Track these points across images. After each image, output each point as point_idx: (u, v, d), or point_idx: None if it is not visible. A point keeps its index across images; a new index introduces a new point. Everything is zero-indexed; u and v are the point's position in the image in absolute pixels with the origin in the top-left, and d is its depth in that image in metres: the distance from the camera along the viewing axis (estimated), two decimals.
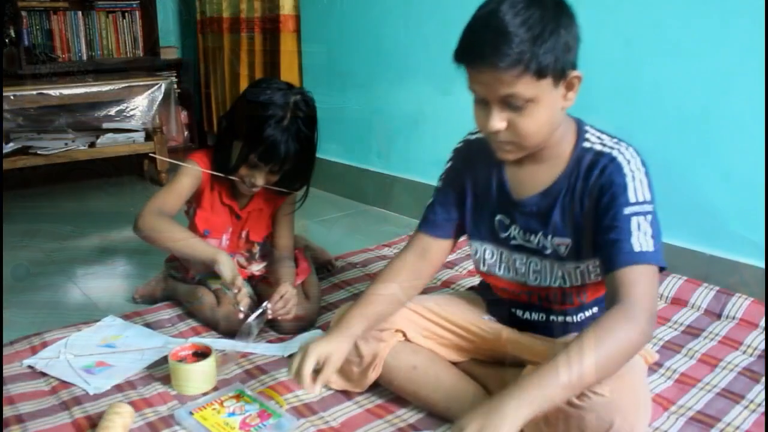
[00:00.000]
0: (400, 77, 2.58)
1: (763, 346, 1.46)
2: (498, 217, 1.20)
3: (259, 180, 1.54)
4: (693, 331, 1.55)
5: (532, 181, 1.15)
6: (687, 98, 1.77)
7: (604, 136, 1.12)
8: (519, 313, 1.25)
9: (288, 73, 3.05)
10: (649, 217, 1.04)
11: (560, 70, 1.00)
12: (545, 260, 1.16)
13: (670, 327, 1.57)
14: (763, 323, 1.54)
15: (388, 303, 1.22)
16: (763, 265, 1.66)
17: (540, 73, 0.98)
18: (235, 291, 1.43)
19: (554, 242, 1.14)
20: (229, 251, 1.65)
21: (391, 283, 1.23)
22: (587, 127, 1.13)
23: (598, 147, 1.10)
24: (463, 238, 1.30)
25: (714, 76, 1.71)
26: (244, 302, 1.44)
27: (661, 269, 1.04)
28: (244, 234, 1.70)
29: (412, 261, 1.25)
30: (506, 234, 1.19)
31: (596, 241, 1.07)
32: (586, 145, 1.11)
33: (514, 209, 1.17)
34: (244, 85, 3.36)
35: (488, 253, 1.24)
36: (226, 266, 1.45)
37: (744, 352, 1.45)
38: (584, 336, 0.95)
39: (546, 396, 0.91)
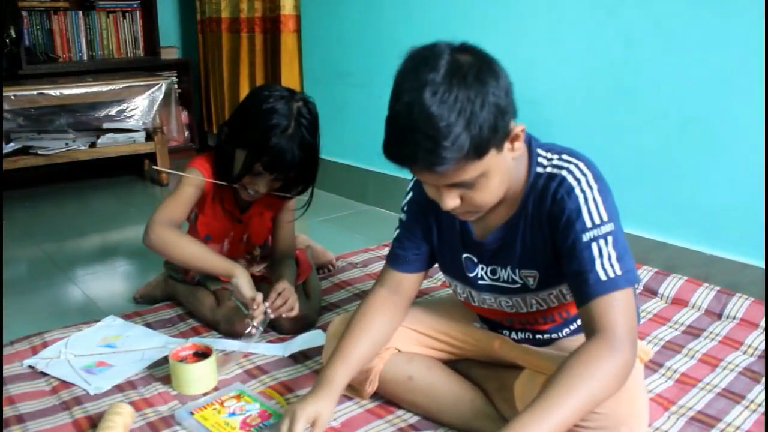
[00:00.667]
0: None
1: (763, 346, 1.46)
2: (464, 255, 1.15)
3: (263, 188, 1.53)
4: (693, 331, 1.55)
5: (493, 217, 1.09)
6: (687, 98, 1.77)
7: (554, 156, 1.05)
8: (505, 333, 1.23)
9: (288, 73, 3.05)
10: (610, 238, 0.98)
11: (501, 136, 0.94)
12: (515, 296, 1.14)
13: (670, 327, 1.57)
14: (763, 323, 1.54)
15: (369, 345, 1.17)
16: (763, 265, 1.66)
17: (481, 153, 0.91)
18: (255, 307, 1.42)
19: (522, 274, 1.11)
20: (230, 255, 1.65)
21: (367, 322, 1.17)
22: (539, 150, 1.06)
23: (549, 169, 1.04)
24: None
25: (714, 76, 1.71)
26: (260, 319, 1.44)
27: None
28: (245, 238, 1.70)
29: (386, 296, 1.21)
30: (473, 273, 1.15)
31: (564, 273, 1.02)
32: (539, 170, 1.05)
33: (478, 248, 1.13)
34: (244, 85, 3.36)
35: (459, 288, 1.22)
36: (244, 281, 1.44)
37: (744, 353, 1.45)
38: (566, 374, 0.91)
39: None
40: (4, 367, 1.41)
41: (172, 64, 3.79)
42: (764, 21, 1.57)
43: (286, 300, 1.48)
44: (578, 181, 1.00)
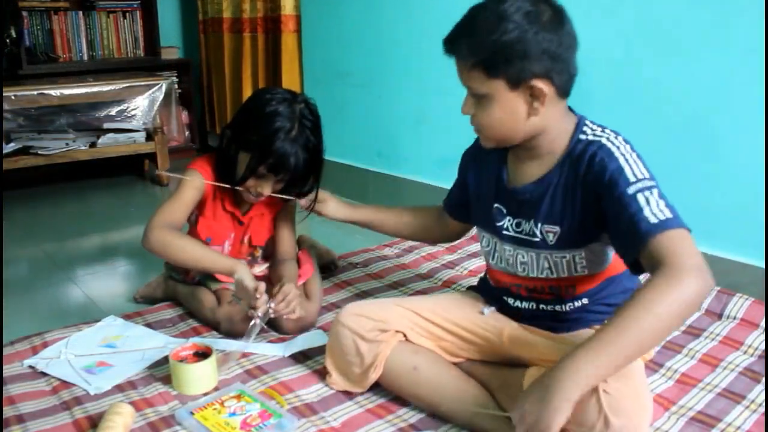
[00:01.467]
0: (401, 77, 2.58)
1: (763, 346, 1.46)
2: (495, 205, 1.24)
3: (267, 190, 1.54)
4: (694, 331, 1.55)
5: (528, 172, 1.18)
6: (687, 98, 1.77)
7: (597, 128, 1.14)
8: (510, 301, 1.26)
9: (289, 73, 3.05)
10: (655, 190, 1.02)
11: (515, 75, 1.04)
12: (532, 251, 1.19)
13: None
14: (763, 323, 1.54)
15: (396, 216, 1.57)
16: (763, 265, 1.66)
17: (490, 72, 1.05)
18: (258, 296, 1.43)
19: (543, 229, 1.16)
20: (231, 256, 1.65)
21: (407, 209, 1.56)
22: (587, 122, 1.16)
23: (590, 137, 1.12)
24: (465, 238, 1.32)
25: (714, 75, 1.71)
26: (262, 309, 1.44)
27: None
28: (246, 239, 1.70)
29: (433, 215, 1.52)
30: (501, 223, 1.23)
31: (611, 232, 1.07)
32: (581, 137, 1.13)
33: (509, 197, 1.21)
34: (246, 85, 3.36)
35: (485, 240, 1.29)
36: (246, 275, 1.45)
37: (745, 353, 1.45)
38: (629, 305, 0.92)
39: (603, 363, 0.91)
40: (4, 367, 1.41)
41: (173, 64, 3.79)
42: (764, 21, 1.57)
43: (289, 303, 1.49)
44: (617, 147, 1.08)
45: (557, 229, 1.15)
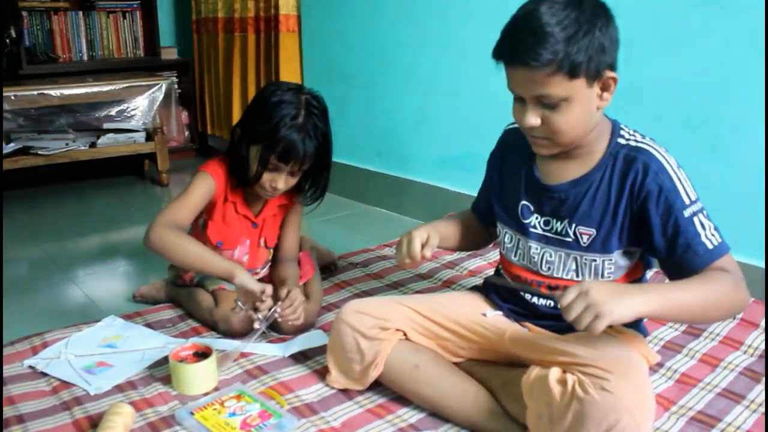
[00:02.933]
0: (401, 78, 2.58)
1: (763, 346, 1.46)
2: (523, 201, 1.23)
3: (281, 183, 1.52)
4: (694, 331, 1.55)
5: (563, 172, 1.18)
6: (687, 98, 1.77)
7: (636, 134, 1.16)
8: (527, 297, 1.26)
9: (288, 73, 3.04)
10: (705, 212, 1.09)
11: (594, 71, 1.03)
12: (561, 250, 1.19)
13: (670, 327, 1.57)
14: (763, 323, 1.54)
15: (461, 229, 1.39)
16: (763, 265, 1.66)
17: (572, 73, 1.02)
18: (264, 299, 1.42)
19: (578, 230, 1.16)
20: (251, 264, 1.66)
21: (456, 220, 1.41)
22: (622, 126, 1.17)
23: (633, 143, 1.13)
24: None
25: (715, 75, 1.71)
26: (264, 313, 1.44)
27: None
28: (262, 242, 1.69)
29: (475, 220, 1.43)
30: (528, 220, 1.22)
31: (661, 248, 1.10)
32: (621, 141, 1.14)
33: (541, 194, 1.20)
34: (242, 86, 3.35)
35: (507, 237, 1.28)
36: (247, 278, 1.44)
37: (744, 353, 1.45)
38: (694, 277, 1.05)
39: (665, 300, 0.99)
40: (4, 367, 1.41)
41: (172, 64, 3.78)
42: (764, 20, 1.57)
43: (296, 309, 1.49)
44: (668, 162, 1.10)
45: (593, 231, 1.15)
